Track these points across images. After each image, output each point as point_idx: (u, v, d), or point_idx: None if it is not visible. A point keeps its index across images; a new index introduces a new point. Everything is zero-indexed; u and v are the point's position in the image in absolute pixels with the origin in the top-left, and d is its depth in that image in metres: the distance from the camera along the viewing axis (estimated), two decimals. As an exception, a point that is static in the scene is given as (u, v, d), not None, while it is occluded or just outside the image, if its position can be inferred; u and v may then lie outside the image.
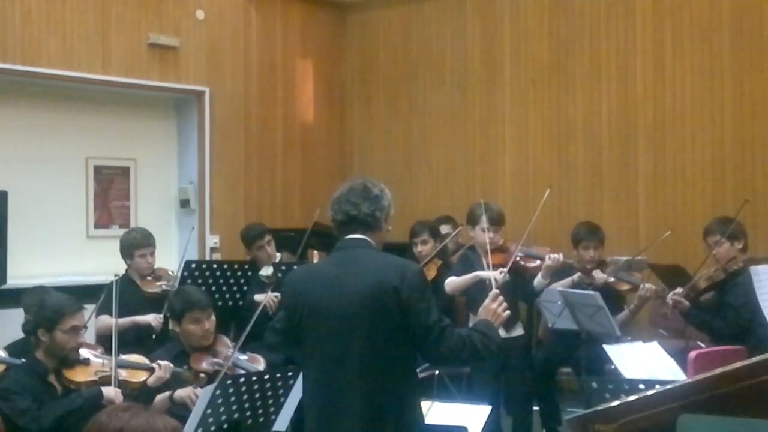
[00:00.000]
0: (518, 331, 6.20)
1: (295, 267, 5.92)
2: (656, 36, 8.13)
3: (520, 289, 6.09)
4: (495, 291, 3.94)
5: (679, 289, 6.14)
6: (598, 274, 6.38)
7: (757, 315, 5.25)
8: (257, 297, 6.44)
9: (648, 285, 6.34)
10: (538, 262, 6.15)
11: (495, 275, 5.55)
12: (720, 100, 7.80)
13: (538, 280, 6.09)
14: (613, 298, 6.32)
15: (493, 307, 3.86)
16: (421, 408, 3.81)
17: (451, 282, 6.20)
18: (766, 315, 4.96)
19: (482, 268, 5.89)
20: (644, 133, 8.19)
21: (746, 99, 7.67)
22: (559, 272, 6.33)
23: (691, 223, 7.14)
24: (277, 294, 6.21)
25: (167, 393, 4.70)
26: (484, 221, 6.04)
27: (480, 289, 5.65)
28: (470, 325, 5.65)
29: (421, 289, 3.63)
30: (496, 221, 6.13)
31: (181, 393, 4.67)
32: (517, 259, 5.90)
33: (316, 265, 3.78)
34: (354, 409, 3.59)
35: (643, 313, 6.66)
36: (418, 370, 3.94)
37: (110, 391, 4.59)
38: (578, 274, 6.43)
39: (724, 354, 5.23)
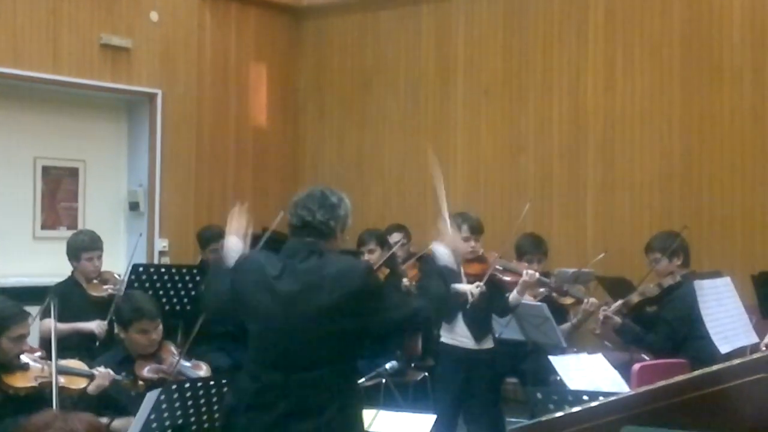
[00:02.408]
0: (489, 343, 6.18)
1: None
2: (608, 50, 8.22)
3: (495, 302, 6.04)
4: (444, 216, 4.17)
5: (611, 306, 6.21)
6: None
7: (695, 328, 5.33)
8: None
9: (592, 299, 6.36)
10: (515, 277, 6.12)
11: (471, 289, 5.54)
12: (669, 114, 7.90)
13: (513, 295, 6.04)
14: (558, 310, 6.35)
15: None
16: (362, 415, 3.81)
17: None
18: (709, 328, 5.03)
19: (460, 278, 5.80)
20: (594, 145, 8.27)
21: (695, 114, 7.77)
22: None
23: (638, 236, 7.19)
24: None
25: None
26: (465, 230, 6.00)
27: (454, 300, 5.58)
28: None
29: (375, 293, 3.67)
30: (477, 230, 6.08)
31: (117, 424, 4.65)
32: (495, 272, 5.88)
33: (262, 271, 3.74)
34: (292, 406, 3.61)
35: (588, 324, 6.70)
36: (363, 379, 3.94)
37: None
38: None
39: (667, 367, 5.28)
